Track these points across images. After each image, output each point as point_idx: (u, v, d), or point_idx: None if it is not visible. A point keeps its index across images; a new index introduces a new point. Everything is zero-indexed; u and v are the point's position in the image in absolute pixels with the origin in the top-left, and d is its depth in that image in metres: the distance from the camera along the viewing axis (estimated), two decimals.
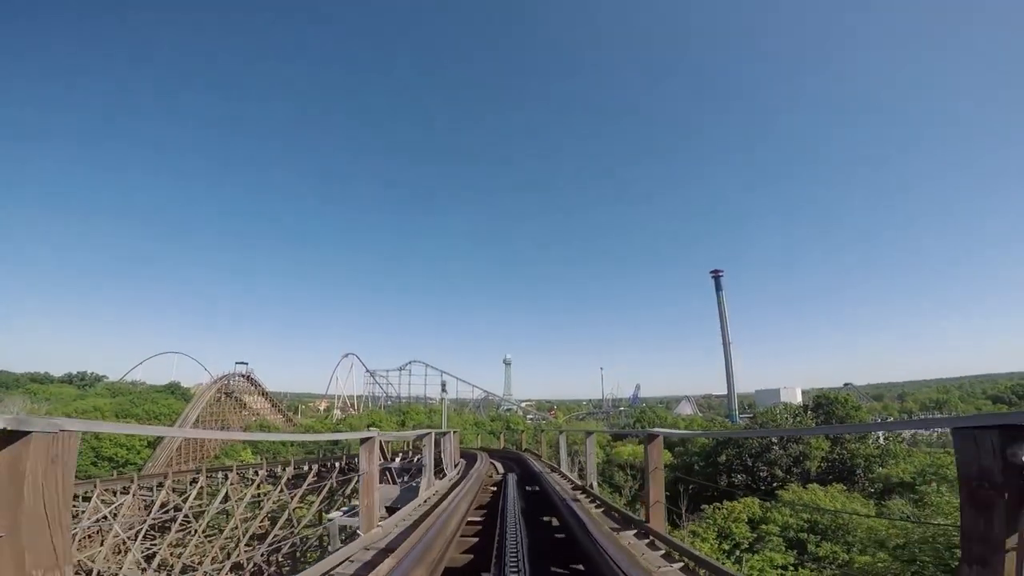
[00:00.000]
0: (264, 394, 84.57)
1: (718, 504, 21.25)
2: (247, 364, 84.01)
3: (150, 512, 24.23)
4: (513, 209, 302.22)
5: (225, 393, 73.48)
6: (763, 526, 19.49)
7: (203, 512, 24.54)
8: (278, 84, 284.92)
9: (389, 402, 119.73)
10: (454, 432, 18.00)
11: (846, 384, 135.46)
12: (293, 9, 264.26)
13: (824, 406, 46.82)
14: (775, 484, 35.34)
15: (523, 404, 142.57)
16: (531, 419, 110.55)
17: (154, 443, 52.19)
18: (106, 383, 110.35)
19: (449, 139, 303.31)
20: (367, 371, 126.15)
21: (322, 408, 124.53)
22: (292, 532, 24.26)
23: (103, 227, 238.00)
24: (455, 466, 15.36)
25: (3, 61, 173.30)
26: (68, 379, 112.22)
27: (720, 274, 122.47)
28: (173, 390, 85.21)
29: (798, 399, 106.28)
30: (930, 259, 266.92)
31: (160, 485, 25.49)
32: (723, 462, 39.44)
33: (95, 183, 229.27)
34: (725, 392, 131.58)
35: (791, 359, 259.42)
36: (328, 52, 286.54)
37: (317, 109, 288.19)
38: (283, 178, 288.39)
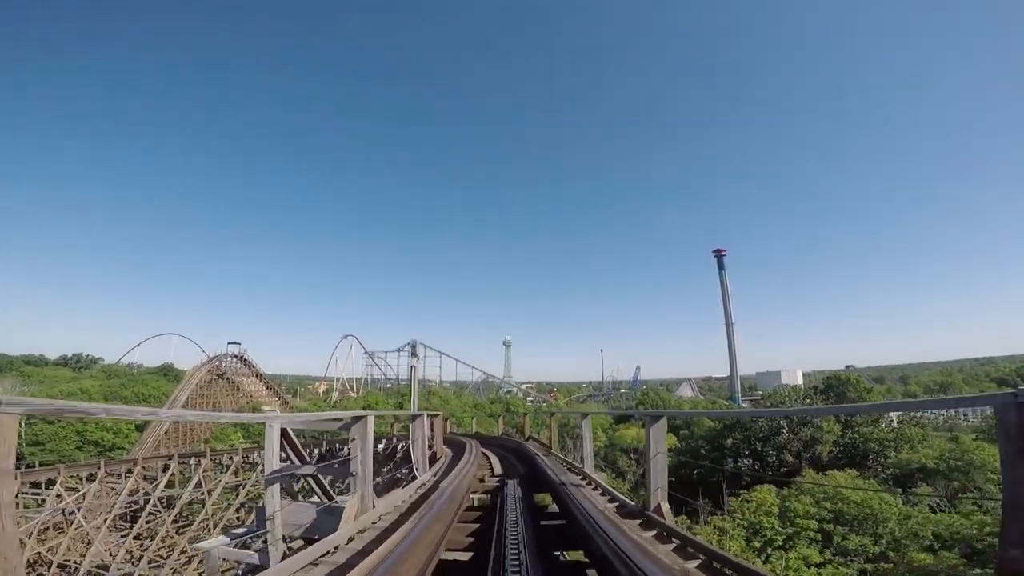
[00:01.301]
0: (259, 376, 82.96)
1: (747, 499, 19.09)
2: (240, 344, 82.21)
3: (117, 501, 22.55)
4: (513, 194, 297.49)
5: (217, 375, 71.88)
6: (799, 520, 17.33)
7: (174, 501, 22.85)
8: (279, 67, 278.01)
9: (388, 384, 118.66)
10: (431, 415, 13.35)
11: (847, 367, 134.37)
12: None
13: (834, 388, 45.25)
14: (784, 470, 33.89)
15: (523, 386, 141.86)
16: (531, 401, 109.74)
17: (142, 425, 50.72)
18: (102, 366, 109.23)
19: (451, 121, 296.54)
20: (365, 352, 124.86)
21: (321, 390, 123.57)
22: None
23: (103, 210, 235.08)
24: (433, 463, 11.92)
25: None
26: (63, 361, 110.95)
27: (723, 253, 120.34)
28: (166, 372, 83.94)
29: (799, 382, 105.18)
30: (929, 243, 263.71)
31: (129, 472, 23.77)
32: (729, 446, 37.97)
33: (92, 165, 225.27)
34: (726, 375, 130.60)
35: (789, 342, 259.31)
36: (328, 42, 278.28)
37: (316, 94, 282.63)
38: (282, 161, 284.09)
